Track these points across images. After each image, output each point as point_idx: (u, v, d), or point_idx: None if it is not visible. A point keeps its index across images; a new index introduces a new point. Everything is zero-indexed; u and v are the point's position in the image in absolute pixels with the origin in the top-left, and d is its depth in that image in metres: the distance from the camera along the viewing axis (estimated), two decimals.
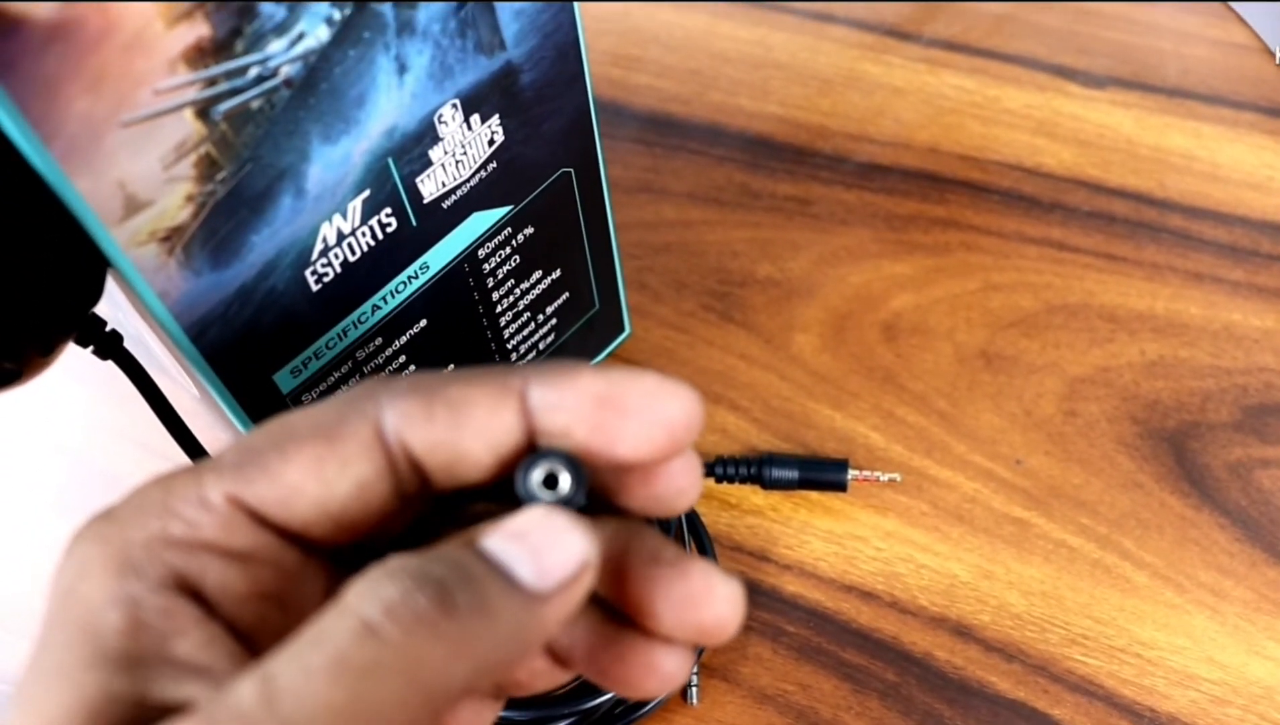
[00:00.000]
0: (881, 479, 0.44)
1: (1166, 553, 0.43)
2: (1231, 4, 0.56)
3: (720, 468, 0.44)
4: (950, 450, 0.45)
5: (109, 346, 0.33)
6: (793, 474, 0.44)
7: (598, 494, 0.25)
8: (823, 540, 0.44)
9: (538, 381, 0.23)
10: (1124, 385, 0.46)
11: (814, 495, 0.45)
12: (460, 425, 0.22)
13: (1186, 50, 0.55)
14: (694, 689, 0.41)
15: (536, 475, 0.22)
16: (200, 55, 0.26)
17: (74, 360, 0.42)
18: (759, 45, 0.58)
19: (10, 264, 0.27)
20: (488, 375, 0.23)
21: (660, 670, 0.24)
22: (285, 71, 0.28)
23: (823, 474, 0.44)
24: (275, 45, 0.27)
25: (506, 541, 0.21)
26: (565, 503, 0.22)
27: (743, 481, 0.44)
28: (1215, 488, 0.44)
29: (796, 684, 0.41)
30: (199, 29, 0.26)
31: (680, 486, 0.24)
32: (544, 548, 0.21)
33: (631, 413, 0.22)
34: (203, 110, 0.27)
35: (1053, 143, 0.53)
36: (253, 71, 0.27)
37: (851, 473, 0.44)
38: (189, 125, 0.27)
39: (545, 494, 0.22)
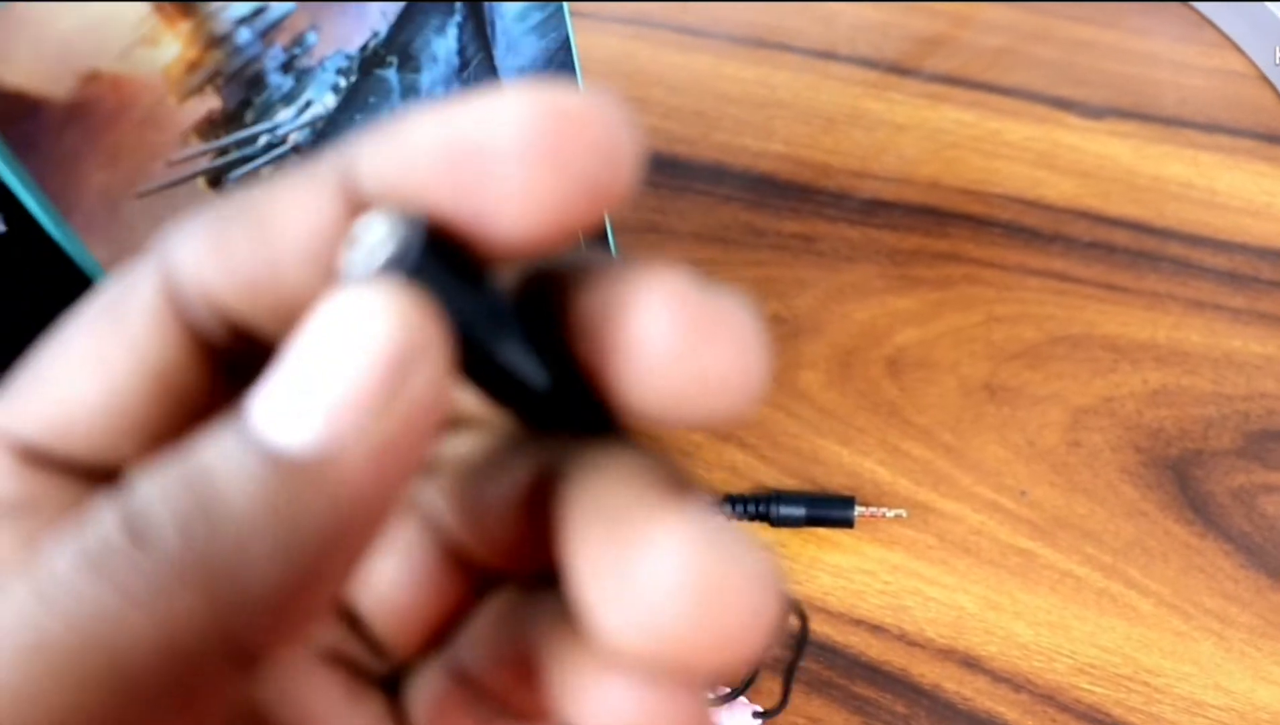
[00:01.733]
0: (888, 515, 0.44)
1: (1172, 580, 0.43)
2: (1228, 33, 0.57)
3: (729, 506, 0.45)
4: (956, 483, 0.46)
5: None
6: (800, 512, 0.44)
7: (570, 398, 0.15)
8: (831, 575, 0.45)
9: (367, 148, 0.14)
10: (1127, 414, 0.47)
11: (822, 531, 0.45)
12: (268, 240, 0.15)
13: (1183, 80, 0.56)
14: None
15: (346, 253, 0.14)
16: (211, 126, 0.27)
17: None
18: (762, 85, 0.59)
19: (28, 319, 0.28)
20: (305, 167, 0.15)
21: (602, 708, 0.15)
22: (294, 138, 0.29)
23: (830, 511, 0.44)
24: (284, 114, 0.28)
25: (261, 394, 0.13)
26: (387, 269, 0.13)
27: (751, 519, 0.45)
28: (1219, 514, 0.44)
29: (807, 718, 0.42)
30: (210, 102, 0.27)
31: (716, 355, 0.14)
32: (316, 364, 0.13)
33: (506, 155, 0.13)
34: (215, 178, 0.28)
35: (1053, 174, 0.54)
36: (262, 140, 0.28)
37: (858, 510, 0.44)
38: (202, 193, 0.28)
39: (355, 268, 0.14)
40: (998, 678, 0.42)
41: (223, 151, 0.28)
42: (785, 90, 0.59)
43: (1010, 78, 0.57)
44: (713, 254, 0.54)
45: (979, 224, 0.53)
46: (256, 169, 0.28)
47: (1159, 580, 0.43)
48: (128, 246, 0.27)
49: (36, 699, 0.13)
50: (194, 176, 0.28)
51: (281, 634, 0.13)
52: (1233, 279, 0.50)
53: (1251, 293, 0.49)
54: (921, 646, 0.43)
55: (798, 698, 0.42)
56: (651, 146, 0.58)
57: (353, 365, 0.13)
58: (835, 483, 0.46)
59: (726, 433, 0.48)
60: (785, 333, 0.51)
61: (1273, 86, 0.55)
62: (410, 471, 0.13)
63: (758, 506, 0.45)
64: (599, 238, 0.42)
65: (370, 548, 0.14)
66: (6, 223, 0.27)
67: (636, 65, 0.61)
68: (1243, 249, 0.51)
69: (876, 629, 0.43)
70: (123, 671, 0.13)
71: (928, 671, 0.42)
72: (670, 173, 0.57)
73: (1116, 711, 0.41)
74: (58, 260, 0.27)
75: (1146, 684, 0.41)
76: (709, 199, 0.55)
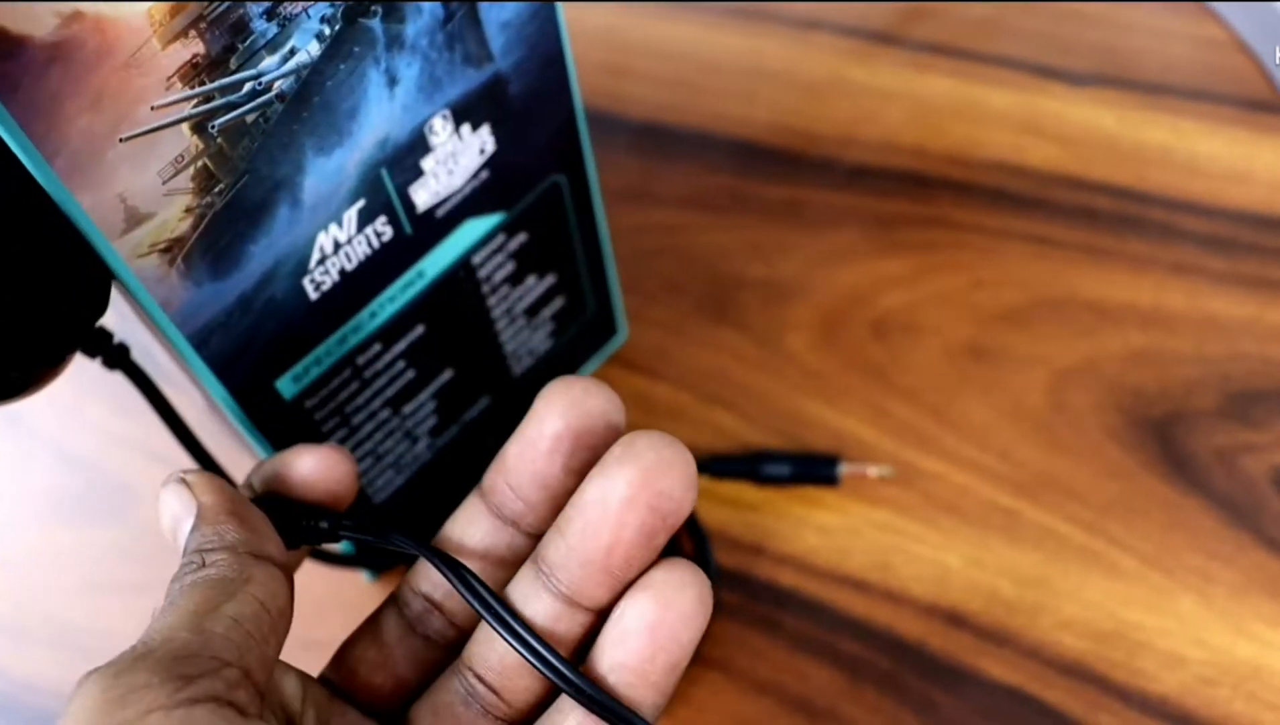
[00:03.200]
0: (872, 473, 0.45)
1: (1154, 538, 0.44)
2: (1208, 3, 0.57)
3: (715, 465, 0.45)
4: (940, 443, 0.46)
5: (117, 358, 0.34)
6: (785, 470, 0.45)
7: None
8: (817, 533, 0.45)
9: None
10: (1110, 375, 0.47)
11: (808, 490, 0.46)
12: None
13: (1166, 48, 0.56)
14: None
15: None
16: (195, 72, 0.27)
17: (86, 372, 0.43)
18: (748, 54, 0.59)
19: (17, 278, 0.28)
20: None
21: None
22: (279, 86, 0.29)
23: (815, 469, 0.45)
24: (268, 60, 0.28)
25: None
26: None
27: (737, 478, 0.45)
28: (1201, 473, 0.45)
29: (793, 674, 0.42)
30: (194, 47, 0.27)
31: None
32: None
33: None
34: (199, 125, 0.28)
35: (1036, 141, 0.54)
36: (247, 86, 0.28)
37: (843, 467, 0.45)
38: (186, 139, 0.28)
39: None
40: (982, 633, 0.42)
41: (207, 98, 0.28)
42: (771, 59, 0.59)
43: (994, 46, 0.58)
44: (699, 219, 0.54)
45: (963, 189, 0.53)
46: (241, 116, 0.29)
47: (1141, 538, 0.44)
48: (111, 191, 0.27)
49: None
50: (178, 122, 0.28)
51: None
52: (1214, 243, 0.50)
53: (1232, 256, 0.50)
54: (906, 603, 0.43)
55: (783, 654, 0.42)
56: (638, 115, 0.58)
57: None
58: (821, 443, 0.47)
59: (713, 395, 0.49)
60: (771, 296, 0.51)
61: (1253, 55, 0.55)
62: None
63: (743, 465, 0.45)
64: (585, 217, 0.42)
65: None
66: None
67: (623, 35, 0.61)
68: (1224, 213, 0.51)
69: (861, 586, 0.44)
70: None
71: (912, 628, 0.43)
72: (657, 140, 0.57)
73: (1099, 666, 0.41)
74: (42, 204, 0.27)
75: (1129, 639, 0.42)
76: (695, 166, 0.56)
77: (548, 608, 0.27)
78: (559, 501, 0.28)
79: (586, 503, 0.26)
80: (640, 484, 0.25)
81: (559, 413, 0.27)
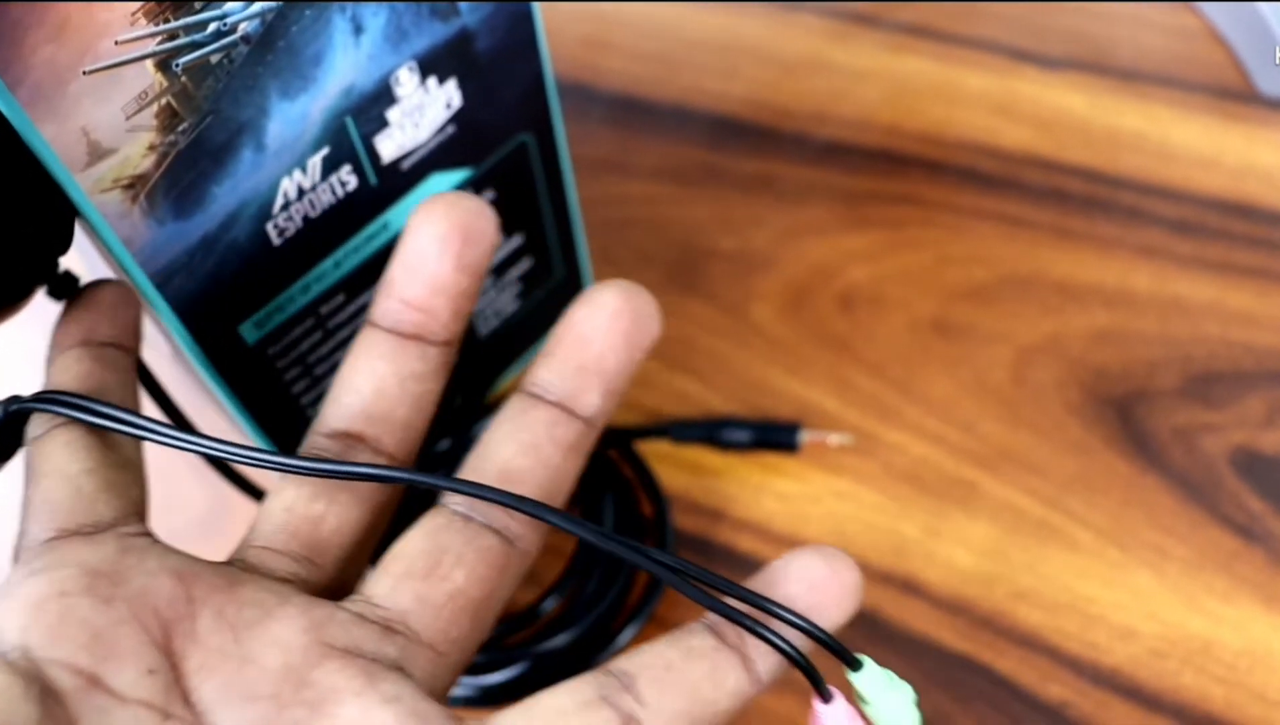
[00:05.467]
0: (833, 441, 0.45)
1: (1112, 513, 0.44)
2: None
3: (676, 429, 0.46)
4: (902, 415, 0.47)
5: None
6: (746, 436, 0.45)
7: None
8: (777, 500, 0.45)
9: None
10: (1073, 354, 0.48)
11: (769, 458, 0.46)
12: None
13: (1140, 35, 0.57)
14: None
15: None
16: (160, 9, 0.27)
17: (50, 322, 0.43)
18: (727, 30, 0.60)
19: None
20: None
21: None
22: (243, 28, 0.29)
23: (775, 436, 0.45)
24: (232, 3, 0.29)
25: None
26: None
27: (698, 442, 0.46)
28: (1160, 452, 0.45)
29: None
30: None
31: None
32: None
33: None
34: (163, 62, 0.28)
35: (1009, 123, 0.55)
36: (211, 26, 0.29)
37: (803, 434, 0.45)
38: (150, 76, 0.28)
39: None
40: (937, 602, 0.43)
41: (171, 36, 0.28)
42: (749, 37, 0.59)
43: (972, 29, 0.58)
44: (670, 191, 0.54)
45: (934, 169, 0.53)
46: (205, 55, 0.29)
47: (1099, 513, 0.44)
48: (74, 124, 0.27)
49: None
50: (142, 58, 0.28)
51: None
52: (1182, 227, 0.51)
53: (1199, 241, 0.50)
54: (863, 571, 0.43)
55: None
56: (615, 87, 0.59)
57: None
58: (784, 412, 0.47)
59: (678, 362, 0.49)
60: (739, 268, 0.51)
61: (1226, 44, 0.56)
62: None
63: (704, 431, 0.45)
64: (553, 178, 0.42)
65: None
66: None
67: (604, 9, 0.62)
68: (1192, 199, 0.51)
69: None
70: None
71: (867, 595, 0.43)
72: (632, 113, 0.57)
73: (1053, 638, 0.42)
74: (4, 135, 0.27)
75: (1082, 612, 0.42)
76: (670, 139, 0.56)
77: (545, 414, 0.29)
78: (459, 303, 0.30)
79: (576, 321, 0.30)
80: (623, 301, 0.30)
81: (440, 217, 0.29)
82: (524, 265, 0.44)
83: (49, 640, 0.23)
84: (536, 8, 0.37)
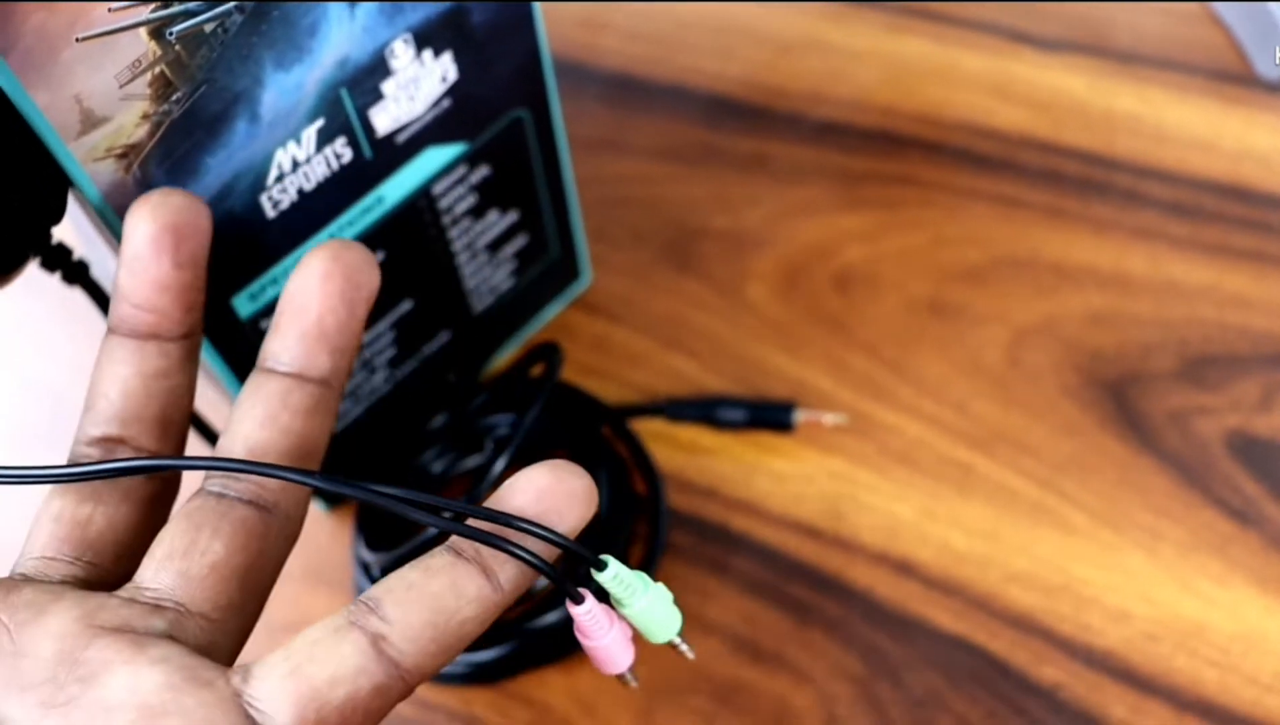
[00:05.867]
0: (827, 420, 0.45)
1: (1105, 495, 0.44)
2: None
3: (671, 408, 0.46)
4: (897, 395, 0.47)
5: (75, 273, 0.34)
6: (741, 415, 0.45)
7: None
8: (771, 479, 0.45)
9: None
10: (1068, 335, 0.48)
11: (764, 437, 0.46)
12: None
13: (1138, 18, 0.57)
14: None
15: None
16: None
17: (50, 301, 0.43)
18: (723, 11, 0.60)
19: None
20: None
21: None
22: None
23: (770, 415, 0.45)
24: None
25: None
26: None
27: (693, 422, 0.46)
28: (1154, 434, 0.45)
29: (741, 616, 0.42)
30: None
31: None
32: None
33: None
34: (157, 30, 0.28)
35: (1006, 104, 0.54)
36: None
37: (798, 414, 0.45)
38: (144, 44, 0.28)
39: None
40: (931, 583, 0.43)
41: (165, 4, 0.28)
42: (748, 17, 0.59)
43: (970, 11, 0.58)
44: (667, 170, 0.54)
45: (931, 149, 0.53)
46: (199, 24, 0.29)
47: (1093, 495, 0.44)
48: (67, 91, 0.27)
49: None
50: (135, 26, 0.28)
51: None
52: (1177, 210, 0.50)
53: (1195, 223, 0.50)
54: (857, 551, 0.43)
55: (732, 597, 0.43)
56: (612, 66, 0.58)
57: None
58: (779, 392, 0.47)
59: (673, 341, 0.49)
60: (734, 247, 0.51)
61: (1224, 27, 0.55)
62: None
63: (700, 410, 0.45)
64: (549, 155, 0.42)
65: None
66: None
67: None
68: (1188, 181, 0.51)
69: (813, 532, 0.44)
70: None
71: (862, 575, 0.43)
72: (629, 92, 0.57)
73: (1046, 619, 0.42)
74: None
75: (1076, 594, 0.42)
76: (666, 119, 0.56)
77: (279, 385, 0.30)
78: (185, 296, 0.30)
79: (292, 292, 0.30)
80: (332, 261, 0.30)
81: (148, 219, 0.29)
82: (519, 242, 0.44)
83: None
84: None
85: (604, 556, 0.27)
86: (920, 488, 0.45)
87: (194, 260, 0.30)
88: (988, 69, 0.56)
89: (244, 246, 0.34)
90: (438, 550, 0.27)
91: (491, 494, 0.29)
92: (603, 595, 0.28)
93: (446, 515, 0.28)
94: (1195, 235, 0.50)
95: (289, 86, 0.32)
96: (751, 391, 0.47)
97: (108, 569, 0.29)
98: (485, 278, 0.44)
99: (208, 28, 0.29)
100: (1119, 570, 0.42)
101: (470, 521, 0.27)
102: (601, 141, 0.55)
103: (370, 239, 0.37)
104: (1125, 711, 0.40)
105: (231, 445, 0.30)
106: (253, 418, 0.30)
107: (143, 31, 0.28)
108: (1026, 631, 0.41)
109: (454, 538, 0.28)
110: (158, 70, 0.29)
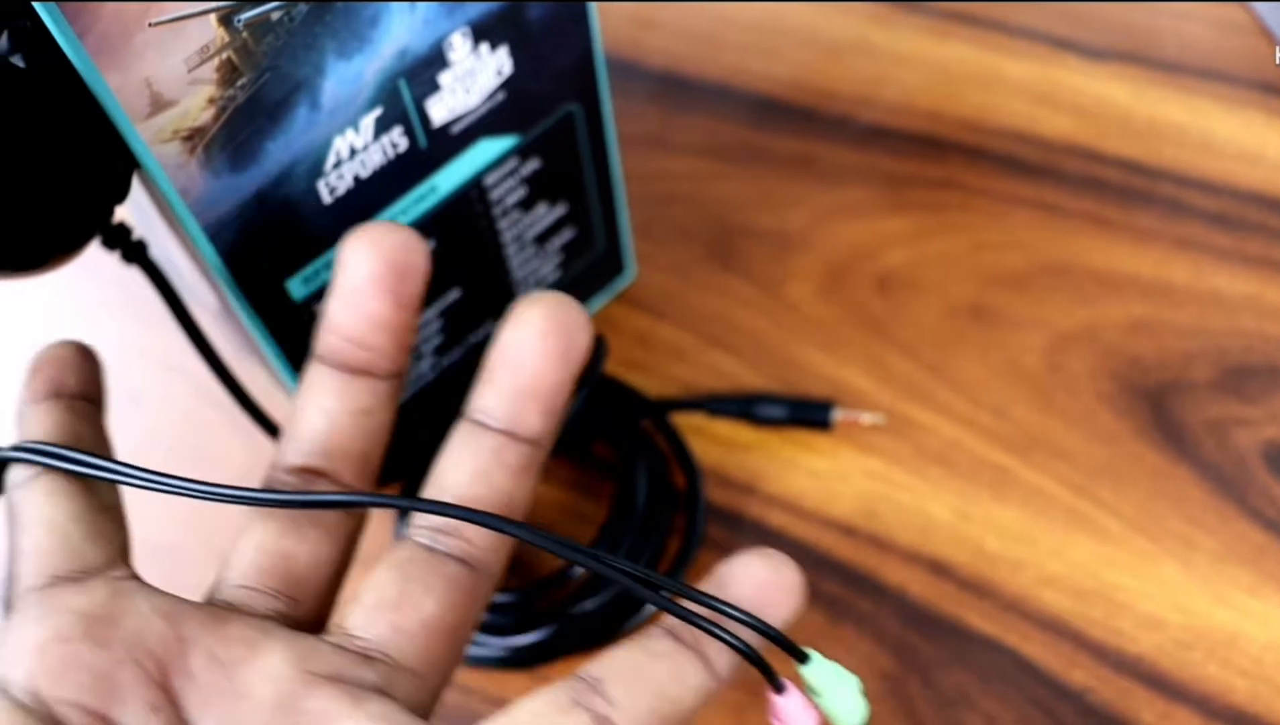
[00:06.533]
0: (865, 420, 0.45)
1: (1141, 503, 0.44)
2: None
3: (711, 404, 0.46)
4: (935, 397, 0.47)
5: (134, 252, 0.35)
6: (780, 412, 0.45)
7: None
8: (808, 476, 0.46)
9: None
10: (1108, 343, 0.48)
11: (801, 435, 0.46)
12: None
13: (1185, 27, 0.57)
14: None
15: None
16: None
17: (102, 283, 0.44)
18: (772, 11, 0.60)
19: (44, 151, 0.29)
20: None
21: None
22: None
23: (809, 413, 0.45)
24: None
25: None
26: None
27: (733, 417, 0.46)
28: (1192, 443, 0.45)
29: None
30: None
31: None
32: None
33: None
34: (226, 17, 0.29)
35: (1051, 112, 0.55)
36: None
37: (836, 412, 0.45)
38: (213, 30, 0.29)
39: None
40: (964, 583, 0.43)
41: None
42: (794, 18, 0.60)
43: (1015, 17, 0.58)
44: (711, 168, 0.54)
45: (975, 154, 0.54)
46: (267, 12, 0.29)
47: (1128, 502, 0.44)
48: (138, 74, 0.28)
49: None
50: (206, 12, 0.28)
51: None
52: (1221, 221, 0.51)
53: (1238, 235, 0.50)
54: (891, 550, 0.44)
55: None
56: (660, 64, 0.59)
57: None
58: (817, 390, 0.47)
59: (714, 338, 0.49)
60: (777, 246, 0.52)
61: (1271, 38, 0.55)
62: None
63: (739, 406, 0.46)
64: (598, 150, 0.43)
65: None
66: (24, 45, 0.28)
67: None
68: (1233, 193, 0.51)
69: (847, 531, 0.44)
70: None
71: (894, 574, 0.43)
72: (676, 90, 0.57)
73: (1078, 623, 0.42)
74: (72, 83, 0.28)
75: (1109, 599, 0.42)
76: (712, 117, 0.56)
77: (491, 442, 0.30)
78: (401, 336, 0.30)
79: (507, 346, 0.30)
80: (549, 319, 0.30)
81: (370, 254, 0.30)
82: (566, 235, 0.45)
83: (55, 683, 0.25)
84: None
85: (807, 650, 0.28)
86: (955, 489, 0.45)
87: (414, 301, 0.30)
88: (1032, 76, 0.56)
89: (300, 230, 0.35)
90: (655, 632, 0.28)
91: (707, 580, 0.29)
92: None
93: (667, 594, 0.28)
94: (1238, 246, 0.50)
95: (349, 75, 0.32)
96: (791, 390, 0.48)
97: (309, 607, 0.30)
98: (533, 270, 0.44)
99: (274, 16, 0.30)
100: (1152, 578, 0.43)
101: (693, 605, 0.28)
102: (648, 138, 0.56)
103: (422, 227, 0.38)
104: (1154, 717, 0.40)
105: (442, 497, 0.30)
106: (465, 471, 0.30)
107: (212, 18, 0.28)
108: (1058, 634, 0.42)
109: (669, 618, 0.28)
110: (225, 56, 0.29)
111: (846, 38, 0.59)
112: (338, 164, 0.34)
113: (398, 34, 0.33)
